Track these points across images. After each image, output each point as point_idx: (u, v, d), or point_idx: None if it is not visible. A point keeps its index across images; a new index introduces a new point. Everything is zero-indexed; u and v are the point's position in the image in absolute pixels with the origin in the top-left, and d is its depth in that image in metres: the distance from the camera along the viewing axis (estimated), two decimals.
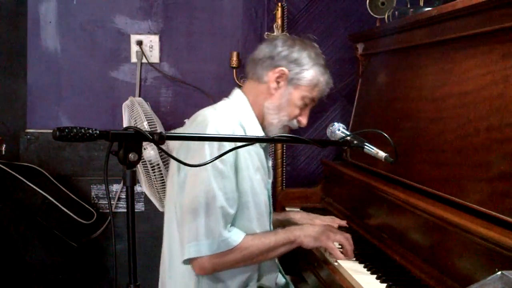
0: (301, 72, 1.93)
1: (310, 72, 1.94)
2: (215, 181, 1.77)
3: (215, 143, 1.77)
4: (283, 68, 1.92)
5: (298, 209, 2.56)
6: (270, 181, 2.06)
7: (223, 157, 1.69)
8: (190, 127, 1.90)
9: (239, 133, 1.85)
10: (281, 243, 1.88)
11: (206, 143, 1.77)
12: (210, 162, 1.56)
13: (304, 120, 2.01)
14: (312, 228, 1.94)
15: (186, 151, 1.82)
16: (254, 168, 1.90)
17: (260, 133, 1.95)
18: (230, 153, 1.75)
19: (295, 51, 1.94)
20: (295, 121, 2.00)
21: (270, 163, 2.07)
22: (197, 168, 1.69)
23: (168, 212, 1.93)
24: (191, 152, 1.81)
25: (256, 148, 1.94)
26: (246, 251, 1.81)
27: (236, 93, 2.02)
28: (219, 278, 1.87)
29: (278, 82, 1.93)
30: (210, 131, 1.79)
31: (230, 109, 1.93)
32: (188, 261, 1.80)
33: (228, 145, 1.75)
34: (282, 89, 1.94)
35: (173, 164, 1.92)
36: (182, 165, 1.79)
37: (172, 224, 1.90)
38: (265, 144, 2.00)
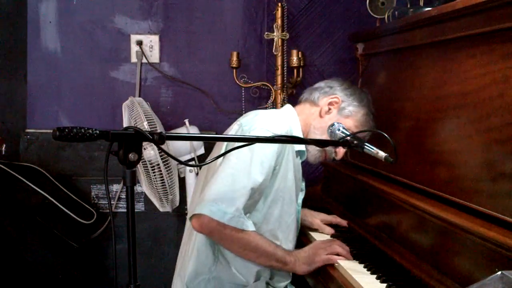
0: (352, 105, 2.10)
1: (360, 110, 2.11)
2: (255, 163, 1.86)
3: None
4: (338, 96, 2.10)
5: None
6: (301, 196, 2.15)
7: (267, 148, 1.87)
8: (250, 115, 2.04)
9: None
10: (276, 257, 1.91)
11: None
12: (217, 158, 1.64)
13: (340, 154, 2.13)
14: (303, 254, 1.95)
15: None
16: (293, 174, 2.01)
17: (303, 146, 2.07)
18: (276, 145, 1.90)
19: (351, 89, 2.13)
20: (333, 151, 2.12)
21: (304, 184, 2.19)
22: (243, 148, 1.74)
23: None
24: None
25: (298, 161, 2.07)
26: (245, 237, 1.85)
27: (288, 107, 2.17)
28: (233, 265, 1.94)
29: (329, 108, 2.09)
30: (271, 126, 1.93)
31: (282, 117, 2.08)
32: (194, 215, 1.84)
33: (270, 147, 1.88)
34: (332, 115, 2.09)
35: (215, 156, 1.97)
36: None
37: None
38: (302, 161, 2.11)
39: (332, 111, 2.09)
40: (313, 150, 2.09)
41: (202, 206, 1.82)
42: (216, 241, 1.91)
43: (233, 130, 2.02)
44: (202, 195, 1.86)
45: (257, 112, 2.09)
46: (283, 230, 2.00)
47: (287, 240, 2.03)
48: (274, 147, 1.90)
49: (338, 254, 1.91)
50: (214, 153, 2.07)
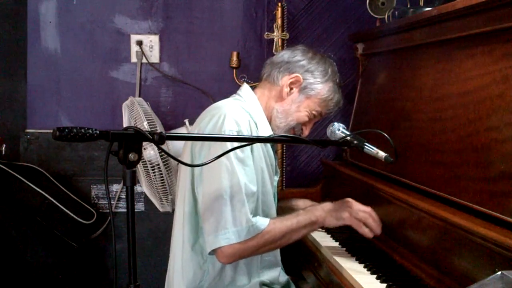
0: (315, 83, 2.00)
1: (324, 86, 2.01)
2: (238, 169, 1.79)
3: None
4: (299, 75, 1.99)
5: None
6: (277, 178, 2.09)
7: (243, 152, 1.78)
8: (204, 119, 1.90)
9: (253, 127, 1.90)
10: (303, 224, 1.87)
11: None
12: (212, 161, 1.57)
13: (306, 132, 2.08)
14: (333, 206, 1.93)
15: (202, 142, 1.84)
16: (265, 162, 1.94)
17: (269, 130, 2.00)
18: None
19: (314, 63, 2.01)
20: (300, 127, 2.06)
21: (276, 161, 2.11)
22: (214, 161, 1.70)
23: (177, 212, 1.95)
24: (207, 143, 1.82)
25: (268, 147, 1.98)
26: (268, 235, 1.80)
27: (245, 90, 2.06)
28: (223, 272, 1.89)
29: (291, 88, 2.00)
30: (229, 123, 1.82)
31: (242, 105, 1.97)
32: (213, 251, 1.79)
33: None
34: (294, 95, 2.00)
35: (185, 160, 1.92)
36: (197, 158, 1.84)
37: (178, 223, 1.92)
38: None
39: (294, 92, 2.00)
40: (281, 130, 2.01)
41: (215, 239, 1.76)
42: (250, 256, 1.87)
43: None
44: (207, 228, 1.79)
45: (213, 113, 1.90)
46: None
47: None
48: (246, 147, 1.82)
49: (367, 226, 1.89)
50: (184, 156, 1.94)
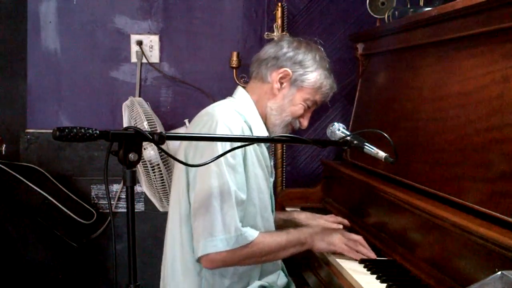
0: (304, 74, 1.96)
1: (314, 75, 1.97)
2: (229, 175, 1.77)
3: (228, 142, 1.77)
4: (287, 69, 1.95)
5: (299, 209, 2.55)
6: (272, 180, 2.07)
7: (235, 152, 1.75)
8: (197, 125, 1.87)
9: (246, 131, 1.87)
10: (293, 243, 1.87)
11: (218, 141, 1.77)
12: (212, 161, 1.56)
13: (304, 123, 2.04)
14: (324, 231, 1.93)
15: (195, 149, 1.82)
16: (259, 166, 1.92)
17: (264, 132, 1.98)
18: (239, 149, 1.78)
19: (300, 53, 1.98)
20: (297, 121, 2.03)
21: (272, 162, 2.09)
22: (209, 164, 1.69)
23: (172, 213, 1.93)
24: (200, 150, 1.80)
25: (263, 149, 1.96)
26: (256, 247, 1.79)
27: (240, 92, 2.04)
28: (221, 276, 1.87)
29: (281, 83, 1.96)
30: (221, 129, 1.79)
31: (236, 107, 1.94)
32: (200, 257, 1.77)
33: (236, 144, 1.75)
34: (285, 90, 1.97)
35: (179, 164, 1.89)
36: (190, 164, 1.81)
37: (175, 225, 1.90)
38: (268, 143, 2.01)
39: (285, 86, 1.96)
40: (278, 129, 1.99)
41: (203, 245, 1.75)
42: (234, 266, 1.85)
43: (185, 142, 1.88)
44: (196, 235, 1.78)
45: (204, 118, 1.88)
46: (263, 225, 1.94)
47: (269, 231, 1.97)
48: (238, 153, 1.80)
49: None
50: (179, 153, 1.91)
